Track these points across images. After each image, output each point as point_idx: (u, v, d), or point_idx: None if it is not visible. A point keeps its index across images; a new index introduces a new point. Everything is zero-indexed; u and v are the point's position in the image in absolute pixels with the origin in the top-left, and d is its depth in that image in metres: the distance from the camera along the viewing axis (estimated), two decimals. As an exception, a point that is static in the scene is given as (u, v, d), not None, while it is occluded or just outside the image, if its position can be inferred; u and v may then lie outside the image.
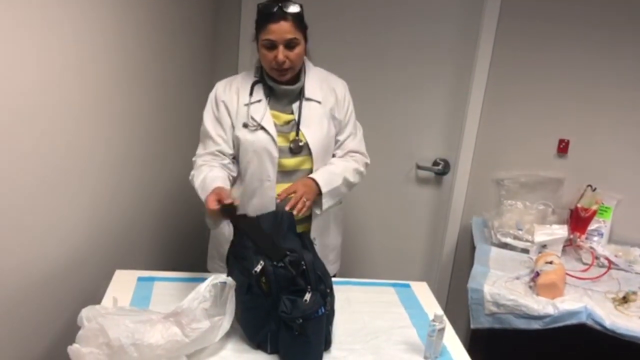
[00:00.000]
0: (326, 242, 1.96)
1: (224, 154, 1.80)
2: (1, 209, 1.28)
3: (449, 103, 2.66)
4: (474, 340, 2.01)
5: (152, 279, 1.71)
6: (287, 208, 1.63)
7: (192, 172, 1.77)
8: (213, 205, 1.53)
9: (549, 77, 2.49)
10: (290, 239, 1.52)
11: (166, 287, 1.67)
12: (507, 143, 2.59)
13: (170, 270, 1.83)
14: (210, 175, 1.71)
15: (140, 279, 1.70)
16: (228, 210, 1.54)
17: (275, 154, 1.78)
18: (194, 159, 1.82)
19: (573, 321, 1.82)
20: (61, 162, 1.50)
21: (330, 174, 1.81)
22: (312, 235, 1.86)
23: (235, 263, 1.52)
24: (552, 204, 2.49)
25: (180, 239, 2.52)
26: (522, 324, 1.85)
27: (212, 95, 1.84)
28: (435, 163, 2.73)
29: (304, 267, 1.37)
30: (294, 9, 1.69)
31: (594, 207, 2.35)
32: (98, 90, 1.65)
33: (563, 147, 2.53)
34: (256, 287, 1.38)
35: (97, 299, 1.54)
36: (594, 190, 2.42)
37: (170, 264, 2.33)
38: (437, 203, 2.80)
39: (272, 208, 1.75)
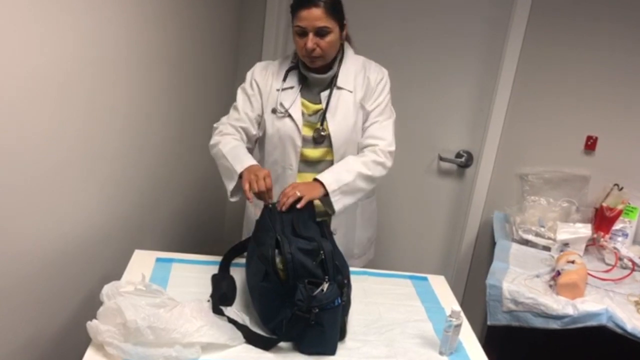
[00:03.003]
0: (351, 236, 1.93)
1: (246, 134, 1.80)
2: (23, 188, 1.30)
3: (475, 94, 2.61)
4: (490, 337, 1.98)
5: (171, 260, 1.72)
6: (279, 207, 1.58)
7: (216, 138, 1.77)
8: (262, 186, 1.56)
9: (579, 72, 2.43)
10: (310, 227, 1.51)
11: (184, 269, 1.67)
12: (533, 138, 2.53)
13: (187, 251, 1.84)
14: (242, 148, 1.74)
15: (158, 259, 1.71)
16: (262, 199, 1.60)
17: (299, 142, 1.77)
18: (215, 124, 1.83)
19: (593, 323, 1.78)
20: (82, 142, 1.51)
21: (338, 173, 1.72)
22: (333, 227, 1.84)
23: (255, 248, 1.52)
24: (576, 201, 2.44)
25: (198, 222, 2.53)
26: (540, 323, 1.82)
27: (249, 74, 1.85)
28: (458, 155, 2.69)
29: (323, 256, 1.36)
30: None
31: (620, 207, 2.29)
32: (119, 74, 1.65)
33: (591, 144, 2.47)
34: (273, 275, 1.37)
35: (116, 276, 1.54)
36: (621, 189, 2.36)
37: (188, 247, 2.35)
38: (458, 196, 2.76)
39: None
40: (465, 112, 2.64)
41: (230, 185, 1.69)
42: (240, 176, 1.65)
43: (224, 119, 1.83)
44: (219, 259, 1.71)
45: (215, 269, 1.66)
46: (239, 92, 1.84)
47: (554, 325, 1.81)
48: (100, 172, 1.63)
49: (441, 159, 2.70)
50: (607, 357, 1.95)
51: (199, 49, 2.23)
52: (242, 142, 1.77)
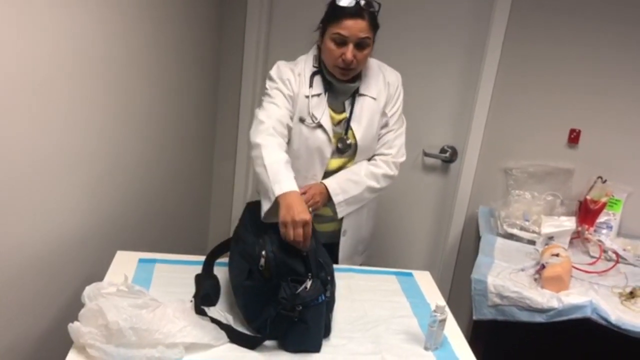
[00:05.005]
0: (358, 235, 1.93)
1: (289, 132, 1.69)
2: (1, 189, 1.27)
3: (459, 89, 2.61)
4: (476, 331, 1.99)
5: (153, 261, 1.70)
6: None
7: (263, 137, 1.58)
8: (299, 235, 1.38)
9: (561, 66, 2.44)
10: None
11: (167, 270, 1.66)
12: (516, 132, 2.55)
13: (171, 253, 1.82)
14: (283, 163, 1.54)
15: (141, 260, 1.69)
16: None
17: (328, 154, 1.73)
18: (261, 117, 1.64)
19: (578, 315, 1.79)
20: (62, 142, 1.49)
21: (347, 183, 1.73)
22: (344, 228, 1.84)
23: (236, 246, 1.51)
24: (560, 195, 2.45)
25: (182, 221, 2.51)
26: (525, 317, 1.83)
27: (275, 72, 1.72)
28: (443, 150, 2.70)
29: (305, 253, 1.35)
30: (373, 7, 1.61)
31: (604, 200, 2.31)
32: (101, 74, 1.63)
33: (574, 138, 2.49)
34: (257, 273, 1.36)
35: (98, 278, 1.53)
36: (605, 182, 2.38)
37: (171, 247, 2.32)
38: (443, 191, 2.77)
39: None
40: (448, 107, 2.65)
41: (265, 206, 1.52)
42: (276, 200, 1.49)
43: (264, 114, 1.65)
44: (202, 258, 1.70)
45: (198, 269, 1.65)
46: (273, 89, 1.70)
47: (539, 318, 1.82)
48: (82, 173, 1.61)
49: (425, 154, 2.70)
50: (592, 350, 1.97)
51: (181, 48, 2.21)
52: (285, 153, 1.59)
